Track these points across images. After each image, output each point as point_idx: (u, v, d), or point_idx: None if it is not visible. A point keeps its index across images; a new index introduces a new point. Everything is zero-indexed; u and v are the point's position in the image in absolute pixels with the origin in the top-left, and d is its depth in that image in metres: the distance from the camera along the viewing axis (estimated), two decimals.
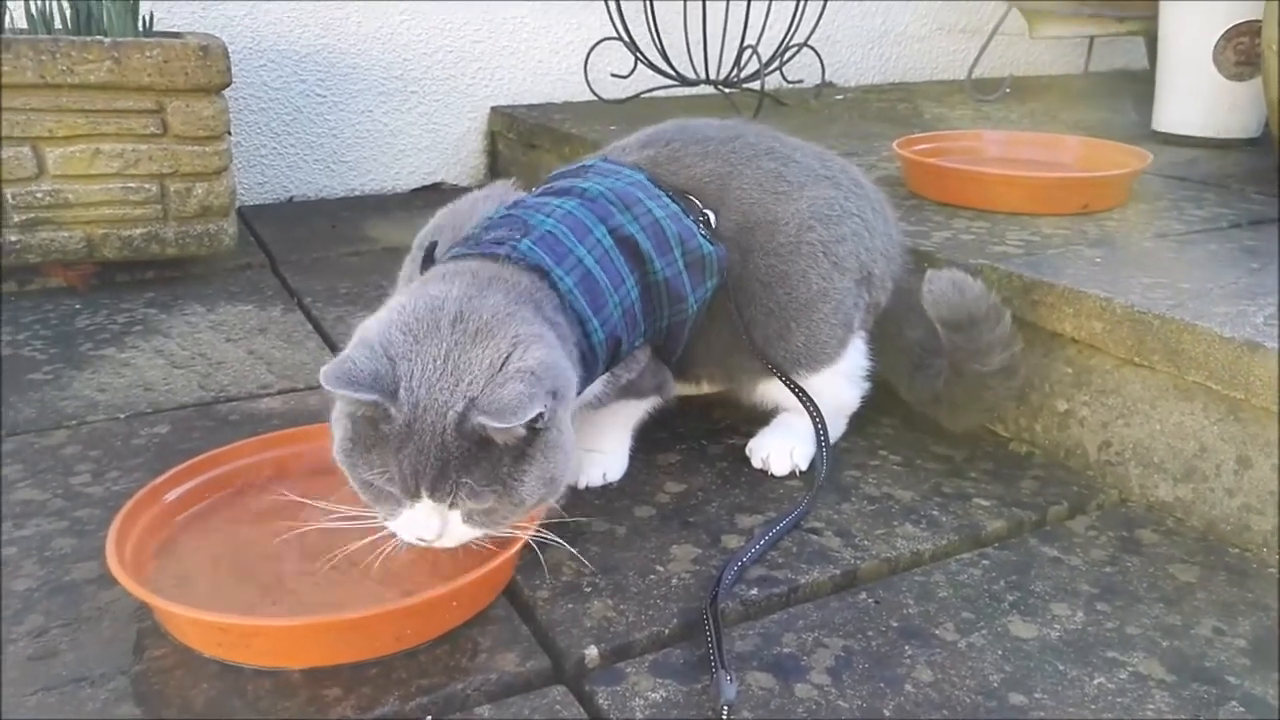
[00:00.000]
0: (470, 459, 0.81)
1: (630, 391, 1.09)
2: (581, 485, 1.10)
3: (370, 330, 0.86)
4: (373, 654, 0.83)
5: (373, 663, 0.82)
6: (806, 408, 1.13)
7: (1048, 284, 1.18)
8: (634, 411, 1.13)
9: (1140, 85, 2.35)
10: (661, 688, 0.81)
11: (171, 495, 0.99)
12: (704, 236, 1.07)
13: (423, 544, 0.85)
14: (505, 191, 1.14)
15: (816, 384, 1.14)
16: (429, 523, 0.83)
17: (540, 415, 0.80)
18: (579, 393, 0.94)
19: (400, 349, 0.82)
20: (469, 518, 0.84)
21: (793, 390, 1.13)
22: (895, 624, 0.90)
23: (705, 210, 1.09)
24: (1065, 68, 3.13)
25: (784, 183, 1.13)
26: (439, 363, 0.81)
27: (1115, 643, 0.87)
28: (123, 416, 1.26)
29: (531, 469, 0.83)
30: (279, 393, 1.34)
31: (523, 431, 0.81)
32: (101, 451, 1.17)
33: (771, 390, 1.17)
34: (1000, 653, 0.86)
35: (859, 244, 1.15)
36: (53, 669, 0.82)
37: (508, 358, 0.82)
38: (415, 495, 0.82)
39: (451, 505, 0.83)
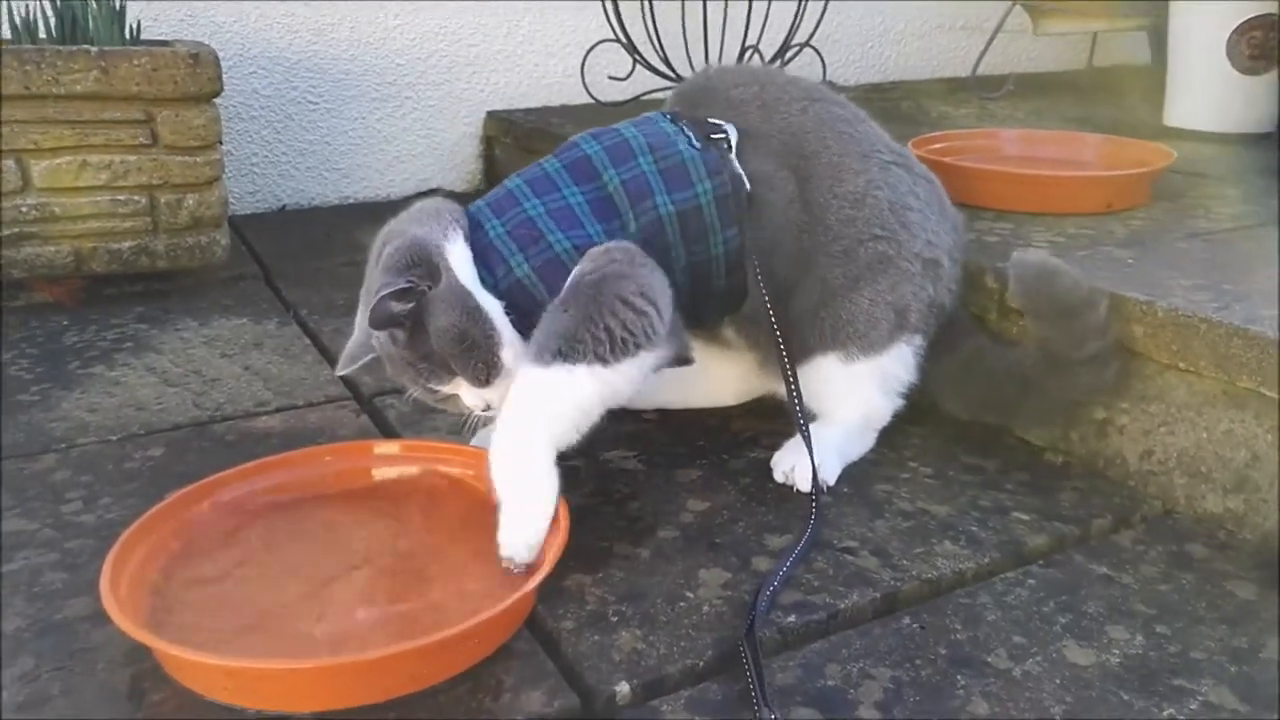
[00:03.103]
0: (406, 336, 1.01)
1: (613, 284, 0.97)
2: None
3: None
4: (387, 695, 0.77)
5: (390, 704, 0.77)
6: (789, 380, 1.05)
7: None
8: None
9: (1144, 80, 2.31)
10: None
11: (169, 524, 0.93)
12: (690, 144, 1.07)
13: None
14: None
15: (849, 380, 1.09)
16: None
17: (408, 292, 0.97)
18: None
19: None
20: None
21: (784, 364, 1.05)
22: (944, 651, 0.84)
23: (723, 126, 1.10)
24: (1068, 64, 3.09)
25: (853, 141, 1.11)
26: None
27: (1181, 669, 0.82)
28: (114, 438, 1.20)
29: (429, 325, 0.98)
30: (276, 410, 1.28)
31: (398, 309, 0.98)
32: (93, 477, 1.11)
33: (803, 384, 1.08)
34: (1059, 681, 0.81)
35: (926, 224, 1.10)
36: (45, 716, 0.76)
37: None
38: None
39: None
